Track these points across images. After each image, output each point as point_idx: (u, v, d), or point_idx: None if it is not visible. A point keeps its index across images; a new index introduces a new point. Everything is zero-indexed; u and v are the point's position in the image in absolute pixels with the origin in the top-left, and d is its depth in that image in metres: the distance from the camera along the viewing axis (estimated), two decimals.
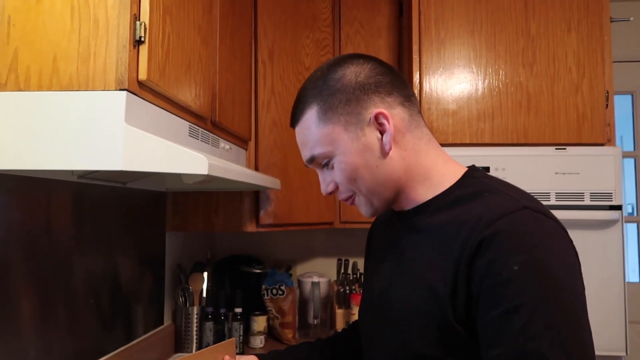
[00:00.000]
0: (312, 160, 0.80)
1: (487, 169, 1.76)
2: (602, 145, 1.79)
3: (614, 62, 1.83)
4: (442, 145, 0.83)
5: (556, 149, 1.79)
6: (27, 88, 0.89)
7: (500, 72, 1.84)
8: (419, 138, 0.78)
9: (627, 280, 1.70)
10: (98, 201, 1.40)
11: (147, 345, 1.65)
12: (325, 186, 0.81)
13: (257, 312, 1.99)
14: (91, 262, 1.36)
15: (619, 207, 1.71)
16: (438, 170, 0.78)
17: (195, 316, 1.86)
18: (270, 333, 2.02)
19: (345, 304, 2.06)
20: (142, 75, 0.93)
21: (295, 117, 0.82)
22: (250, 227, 1.85)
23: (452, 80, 1.85)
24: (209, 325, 1.87)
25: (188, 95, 1.19)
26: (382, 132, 0.75)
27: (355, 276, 2.13)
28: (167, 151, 0.92)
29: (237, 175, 1.17)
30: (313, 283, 2.06)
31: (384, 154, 0.75)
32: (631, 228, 2.66)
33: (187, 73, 1.18)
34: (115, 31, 0.88)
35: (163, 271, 1.83)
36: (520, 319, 0.60)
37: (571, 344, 0.60)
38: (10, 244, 1.06)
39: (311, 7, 2.06)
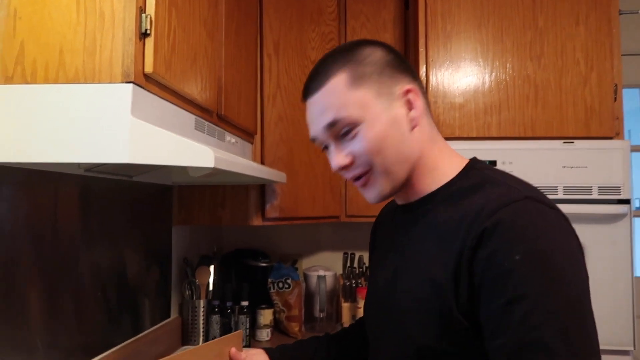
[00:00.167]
0: (332, 125, 0.74)
1: (494, 162, 1.76)
2: (610, 138, 1.78)
3: (622, 55, 1.81)
4: (448, 138, 0.83)
5: (564, 142, 1.78)
6: (33, 81, 0.90)
7: (508, 65, 1.83)
8: (432, 126, 0.79)
9: (635, 274, 1.69)
10: (104, 195, 1.41)
11: (154, 338, 1.66)
12: (341, 159, 0.75)
13: (264, 306, 1.99)
14: (98, 256, 1.37)
15: (627, 201, 1.70)
16: (444, 161, 0.78)
17: (202, 309, 1.86)
18: (277, 326, 2.03)
19: (352, 298, 2.07)
20: (148, 68, 0.93)
21: (314, 85, 0.77)
22: (257, 221, 1.86)
23: (459, 74, 1.84)
24: (216, 318, 1.88)
25: (194, 89, 1.19)
26: (409, 109, 0.76)
27: (361, 270, 2.13)
28: (174, 144, 0.92)
29: (243, 168, 1.17)
30: (319, 277, 2.06)
31: (409, 130, 0.75)
32: (639, 222, 2.64)
33: (193, 66, 1.18)
34: (121, 24, 0.88)
35: (169, 265, 1.84)
36: (522, 309, 0.60)
37: (574, 334, 0.59)
38: (18, 237, 1.07)
39: (316, 0, 2.05)
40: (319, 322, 2.06)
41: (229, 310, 1.91)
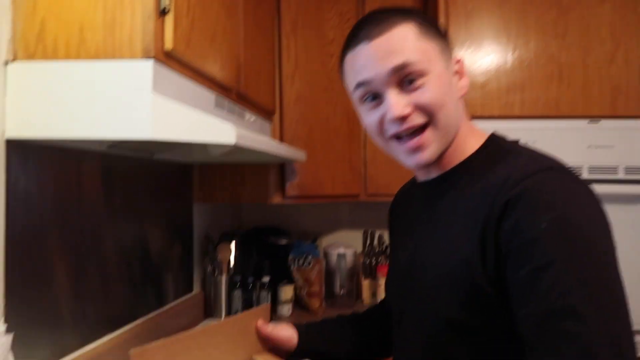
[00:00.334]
0: (400, 68, 0.70)
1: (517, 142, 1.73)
2: (637, 118, 1.73)
3: None
4: (471, 118, 0.82)
5: (589, 121, 1.74)
6: (55, 57, 0.92)
7: (531, 43, 1.78)
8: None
9: None
10: (126, 172, 1.44)
11: (177, 311, 1.71)
12: (402, 108, 0.71)
13: (285, 282, 2.03)
14: (121, 232, 1.41)
15: None
16: (468, 136, 0.78)
17: (224, 284, 1.91)
18: (297, 302, 2.06)
19: (372, 275, 2.08)
20: (168, 45, 0.95)
21: (379, 28, 0.72)
22: (277, 199, 1.88)
23: (481, 53, 1.81)
24: (238, 293, 1.92)
25: (214, 66, 1.20)
26: (459, 78, 0.77)
27: (381, 248, 2.14)
28: (195, 120, 0.94)
29: (263, 145, 1.19)
30: (339, 254, 2.08)
31: (459, 97, 0.76)
32: None
33: (212, 44, 1.19)
34: (140, 1, 0.89)
35: (191, 241, 1.88)
36: (549, 276, 0.59)
37: (604, 300, 0.59)
38: (45, 212, 1.11)
39: None
40: (339, 298, 2.09)
41: (250, 286, 1.95)
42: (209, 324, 1.85)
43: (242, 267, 2.00)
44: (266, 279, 1.96)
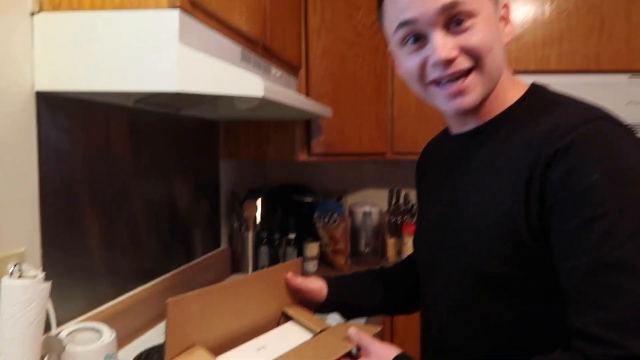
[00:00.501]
0: (451, 7, 0.66)
1: None
2: None
3: None
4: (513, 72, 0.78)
5: (630, 76, 1.65)
6: (80, 8, 0.90)
7: None
8: None
9: None
10: (153, 128, 1.43)
11: (205, 265, 1.74)
12: (448, 50, 0.67)
13: (310, 239, 2.04)
14: (149, 188, 1.42)
15: None
16: (509, 86, 0.74)
17: (250, 241, 1.93)
18: (323, 259, 2.08)
19: (397, 234, 2.08)
20: None
21: None
22: (302, 156, 1.86)
23: (516, 3, 1.72)
24: (264, 249, 1.95)
25: (240, 18, 1.17)
26: (505, 24, 0.73)
27: (406, 207, 2.13)
28: (223, 72, 0.91)
29: (290, 99, 1.16)
30: (365, 213, 2.08)
31: (505, 44, 0.73)
32: None
33: None
34: None
35: (218, 197, 1.89)
36: (601, 228, 0.57)
37: None
38: (75, 167, 1.11)
39: None
40: (364, 256, 2.10)
41: (276, 242, 1.97)
42: (236, 278, 1.89)
43: (268, 224, 2.02)
44: (292, 235, 1.97)
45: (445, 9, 0.66)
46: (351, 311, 0.97)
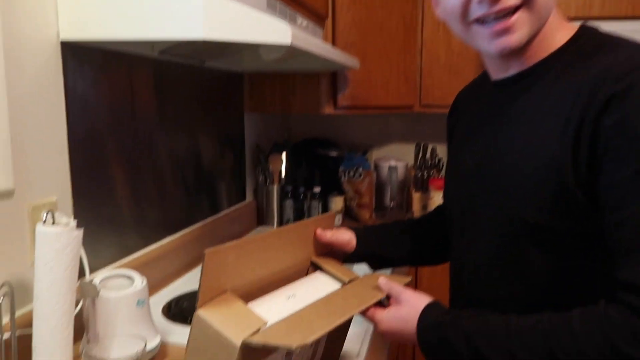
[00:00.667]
0: None
1: None
2: None
3: None
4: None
5: None
6: None
7: None
8: None
9: None
10: (178, 80, 1.42)
11: (231, 218, 1.76)
12: None
13: (335, 193, 2.04)
14: (174, 140, 1.41)
15: None
16: (557, 28, 0.69)
17: (276, 194, 1.93)
18: (348, 213, 2.08)
19: (423, 188, 2.05)
20: None
21: None
22: (328, 109, 1.83)
23: None
24: (289, 203, 1.95)
25: None
26: None
27: (433, 161, 2.09)
28: (250, 19, 0.88)
29: (318, 48, 1.12)
30: (390, 167, 2.05)
31: None
32: None
33: None
34: None
35: (243, 151, 1.89)
36: None
37: None
38: (102, 118, 1.11)
39: None
40: (389, 210, 2.09)
41: (301, 196, 1.97)
42: (262, 231, 1.91)
43: (293, 177, 2.02)
44: (317, 189, 1.97)
45: None
46: (379, 261, 0.96)
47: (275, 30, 0.89)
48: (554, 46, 0.68)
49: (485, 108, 0.77)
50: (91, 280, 0.88)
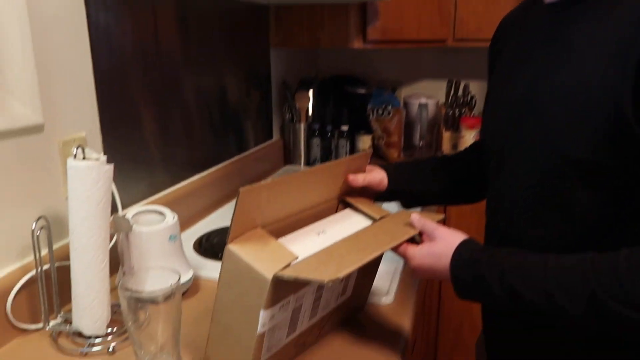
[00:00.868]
0: None
1: None
2: None
3: None
4: None
5: None
6: None
7: None
8: None
9: None
10: (202, 15, 1.37)
11: (258, 156, 1.75)
12: None
13: (363, 131, 2.00)
14: (199, 77, 1.38)
15: None
16: None
17: (302, 132, 1.91)
18: (376, 152, 2.05)
19: (453, 127, 2.00)
20: None
21: None
22: (357, 43, 1.76)
23: None
24: (316, 141, 1.93)
25: None
26: None
27: (465, 99, 2.02)
28: None
29: None
30: (420, 104, 1.99)
31: None
32: None
33: None
34: None
35: (269, 88, 1.85)
36: None
37: None
38: (126, 54, 1.09)
39: None
40: (417, 150, 2.05)
41: (328, 135, 1.95)
42: (289, 170, 1.90)
43: (320, 115, 1.98)
44: (344, 127, 1.94)
45: None
46: (411, 199, 0.94)
47: None
48: None
49: (535, 33, 0.71)
50: (124, 215, 0.89)
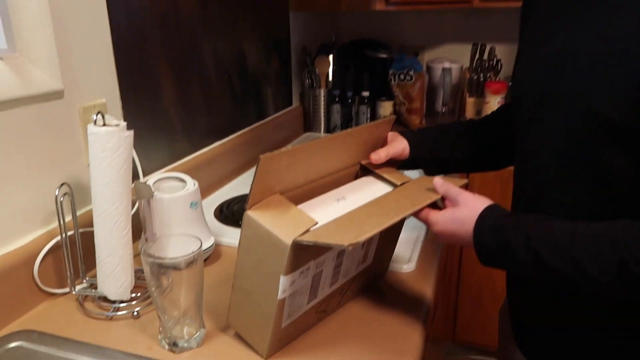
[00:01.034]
0: None
1: None
2: None
3: None
4: None
5: None
6: None
7: None
8: None
9: None
10: None
11: (278, 123, 1.73)
12: None
13: (384, 98, 1.96)
14: (218, 42, 1.36)
15: None
16: None
17: (322, 98, 1.88)
18: (397, 119, 2.00)
19: (478, 93, 1.94)
20: None
21: None
22: (379, 5, 1.70)
23: None
24: (336, 107, 1.90)
25: None
26: None
27: (491, 63, 1.95)
28: None
29: None
30: (444, 69, 1.93)
31: None
32: None
33: None
34: None
35: (289, 53, 1.82)
36: None
37: None
38: (144, 19, 1.07)
39: None
40: (440, 116, 2.01)
41: (349, 101, 1.91)
42: (309, 137, 1.88)
43: (341, 81, 1.94)
44: (365, 93, 1.90)
45: None
46: (434, 167, 0.91)
47: None
48: None
49: None
50: (145, 182, 0.90)
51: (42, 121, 0.83)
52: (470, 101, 1.96)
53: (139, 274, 0.87)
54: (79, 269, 0.87)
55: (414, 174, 0.87)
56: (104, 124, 0.75)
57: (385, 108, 1.96)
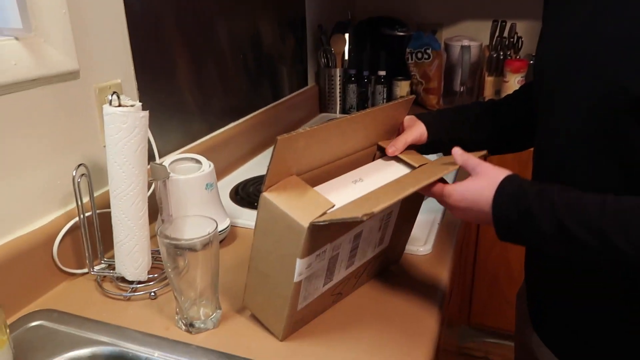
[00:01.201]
0: None
1: None
2: None
3: None
4: None
5: None
6: None
7: None
8: None
9: None
10: None
11: (293, 104, 1.72)
12: None
13: (400, 77, 1.92)
14: (234, 22, 1.34)
15: None
16: None
17: (338, 78, 1.86)
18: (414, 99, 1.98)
19: (497, 71, 1.89)
20: None
21: None
22: None
23: None
24: (352, 87, 1.88)
25: None
26: None
27: (512, 40, 1.90)
28: None
29: None
30: (463, 47, 1.89)
31: None
32: None
33: None
34: None
35: (304, 32, 1.79)
36: None
37: None
38: (159, 2, 1.06)
39: None
40: (458, 96, 1.97)
41: (365, 80, 1.89)
42: (325, 118, 1.87)
43: (357, 60, 1.91)
44: (382, 73, 1.87)
45: None
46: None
47: None
48: None
49: None
50: (161, 163, 0.90)
51: (58, 102, 0.83)
52: (489, 80, 1.92)
53: (156, 255, 0.87)
54: (97, 249, 0.87)
55: (433, 158, 0.86)
56: (119, 105, 0.75)
57: (402, 88, 1.93)
